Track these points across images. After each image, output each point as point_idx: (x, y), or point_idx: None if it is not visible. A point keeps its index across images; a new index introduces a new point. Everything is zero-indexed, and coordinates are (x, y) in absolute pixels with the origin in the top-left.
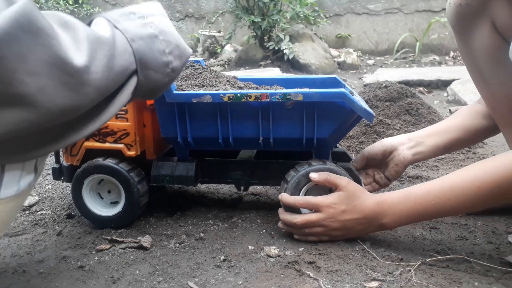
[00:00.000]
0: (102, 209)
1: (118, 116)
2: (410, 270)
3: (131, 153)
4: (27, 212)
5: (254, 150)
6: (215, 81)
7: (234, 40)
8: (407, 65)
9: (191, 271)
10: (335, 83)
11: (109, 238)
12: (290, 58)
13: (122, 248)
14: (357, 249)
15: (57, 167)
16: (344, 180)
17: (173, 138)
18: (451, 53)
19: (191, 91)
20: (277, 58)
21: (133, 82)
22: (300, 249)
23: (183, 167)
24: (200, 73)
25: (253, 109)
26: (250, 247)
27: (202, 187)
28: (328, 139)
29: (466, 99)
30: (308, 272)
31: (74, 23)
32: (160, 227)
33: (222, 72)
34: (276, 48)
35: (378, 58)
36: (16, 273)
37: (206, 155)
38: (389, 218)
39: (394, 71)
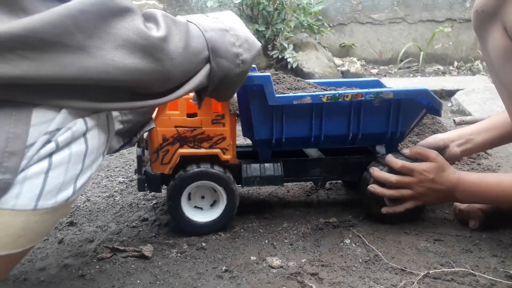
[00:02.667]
0: (200, 215)
1: (215, 121)
2: (413, 283)
3: (227, 157)
4: None
5: (315, 149)
6: (301, 85)
7: None
8: (411, 75)
9: (192, 281)
10: (379, 84)
11: (110, 246)
12: (293, 66)
13: (124, 257)
14: (360, 261)
15: (143, 177)
16: (433, 153)
17: (265, 140)
18: (455, 63)
19: (291, 94)
20: (281, 66)
21: (206, 68)
22: (303, 260)
23: (271, 168)
24: (284, 77)
25: (344, 108)
26: (252, 258)
27: None
28: (407, 133)
29: (470, 109)
30: (310, 284)
31: (154, 11)
32: (161, 236)
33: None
34: (280, 56)
35: (382, 67)
36: (17, 281)
37: (282, 156)
38: (463, 194)
39: (398, 80)
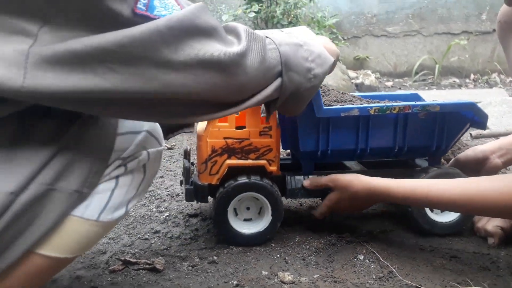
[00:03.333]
0: (246, 226)
1: (262, 133)
2: None
3: (273, 168)
4: None
5: (355, 162)
6: (346, 97)
7: None
8: (426, 88)
9: None
10: (418, 98)
11: (122, 259)
12: None
13: (135, 270)
14: (374, 277)
15: (191, 187)
16: (331, 180)
17: (310, 152)
18: (472, 76)
19: (339, 106)
20: None
21: (277, 81)
22: (315, 276)
23: None
24: (329, 90)
25: (390, 121)
26: (263, 272)
27: None
28: (451, 145)
29: (488, 122)
30: None
31: (237, 25)
32: (173, 249)
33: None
34: None
35: (396, 80)
36: None
37: (324, 169)
38: (382, 200)
39: (423, 94)
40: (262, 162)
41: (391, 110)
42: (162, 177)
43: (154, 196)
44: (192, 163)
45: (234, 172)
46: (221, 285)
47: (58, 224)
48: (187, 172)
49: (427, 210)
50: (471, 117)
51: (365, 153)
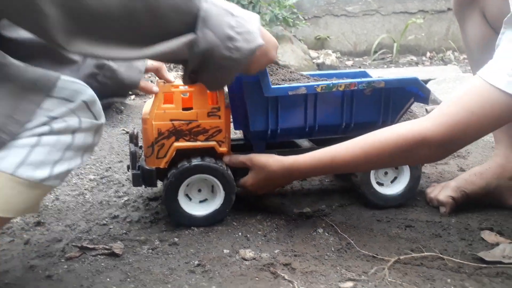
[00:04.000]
0: (198, 209)
1: (210, 114)
2: (384, 269)
3: (223, 149)
4: None
5: (305, 140)
6: (294, 76)
7: None
8: (385, 66)
9: (164, 277)
10: (366, 75)
11: (79, 245)
12: None
13: (93, 256)
14: (332, 249)
15: (138, 172)
16: (248, 160)
17: (260, 132)
18: (428, 54)
19: (286, 85)
20: None
21: (189, 35)
22: (276, 251)
23: None
24: (277, 69)
25: (337, 98)
26: (225, 251)
27: None
28: (397, 121)
29: (442, 98)
30: (283, 275)
31: None
32: (132, 233)
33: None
34: None
35: (356, 59)
36: None
37: (275, 148)
38: (299, 177)
39: (372, 72)
40: (212, 143)
41: (337, 88)
42: (120, 161)
43: (112, 181)
44: (141, 147)
45: (183, 155)
46: (182, 265)
47: None
48: (133, 156)
49: (374, 184)
50: (415, 92)
51: (314, 130)
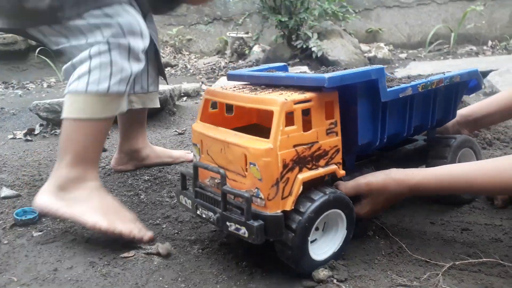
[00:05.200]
0: (316, 251)
1: (329, 131)
2: (438, 274)
3: (342, 172)
4: (57, 219)
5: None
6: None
7: (262, 40)
8: (442, 57)
9: (213, 277)
10: (285, 69)
11: (134, 245)
12: (318, 55)
13: (146, 254)
14: (383, 253)
15: (258, 224)
16: (366, 185)
17: (367, 143)
18: (489, 43)
19: (396, 87)
20: (305, 56)
21: None
22: None
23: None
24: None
25: (426, 98)
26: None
27: None
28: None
29: (503, 90)
30: (332, 279)
31: None
32: (184, 232)
33: None
34: (304, 46)
35: (410, 51)
36: (47, 280)
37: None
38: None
39: (427, 64)
40: (333, 168)
41: (431, 85)
42: (172, 162)
43: (165, 181)
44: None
45: (304, 188)
46: (231, 266)
47: None
48: (248, 203)
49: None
50: (473, 83)
51: (409, 133)
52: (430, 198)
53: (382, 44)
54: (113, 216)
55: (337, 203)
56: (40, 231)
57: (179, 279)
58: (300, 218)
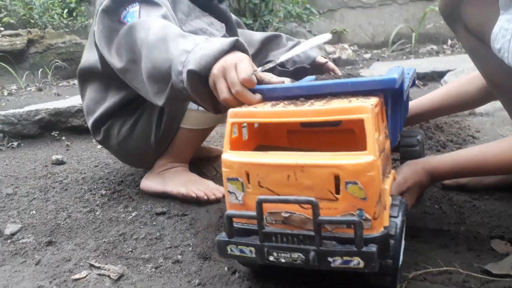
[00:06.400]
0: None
1: (386, 135)
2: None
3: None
4: (8, 241)
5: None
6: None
7: None
8: (405, 57)
9: None
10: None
11: (86, 265)
12: None
13: (99, 275)
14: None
15: (371, 250)
16: (403, 183)
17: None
18: (449, 41)
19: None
20: None
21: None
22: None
23: None
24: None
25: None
26: (226, 269)
27: (185, 204)
28: None
29: None
30: None
31: None
32: (138, 251)
33: None
34: None
35: (375, 51)
36: None
37: None
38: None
39: (389, 65)
40: (393, 172)
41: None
42: (132, 175)
43: (123, 195)
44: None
45: None
46: (183, 285)
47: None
48: (360, 230)
49: None
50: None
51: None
52: None
53: (346, 45)
54: (191, 185)
55: (406, 207)
56: None
57: None
58: (396, 223)
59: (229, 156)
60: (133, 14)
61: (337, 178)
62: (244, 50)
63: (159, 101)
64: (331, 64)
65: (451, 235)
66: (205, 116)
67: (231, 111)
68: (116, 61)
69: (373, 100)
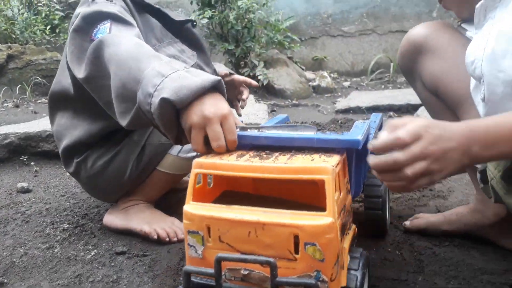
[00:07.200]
0: None
1: (347, 190)
2: None
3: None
4: None
5: None
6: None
7: None
8: (383, 86)
9: None
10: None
11: None
12: (264, 84)
13: None
14: None
15: None
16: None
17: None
18: None
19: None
20: None
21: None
22: None
23: None
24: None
25: None
26: None
27: (146, 243)
28: None
29: None
30: None
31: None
32: None
33: None
34: (251, 74)
35: (354, 79)
36: None
37: None
38: (482, 145)
39: (366, 95)
40: (354, 226)
41: None
42: (97, 207)
43: (85, 231)
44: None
45: None
46: None
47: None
48: None
49: None
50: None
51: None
52: None
53: (325, 73)
54: (155, 223)
55: (366, 259)
56: None
57: None
58: (357, 276)
59: (190, 208)
60: (104, 30)
61: (296, 238)
62: (222, 93)
63: (123, 122)
64: (239, 77)
65: (409, 285)
66: (182, 163)
67: (196, 161)
68: (80, 72)
69: (335, 160)
